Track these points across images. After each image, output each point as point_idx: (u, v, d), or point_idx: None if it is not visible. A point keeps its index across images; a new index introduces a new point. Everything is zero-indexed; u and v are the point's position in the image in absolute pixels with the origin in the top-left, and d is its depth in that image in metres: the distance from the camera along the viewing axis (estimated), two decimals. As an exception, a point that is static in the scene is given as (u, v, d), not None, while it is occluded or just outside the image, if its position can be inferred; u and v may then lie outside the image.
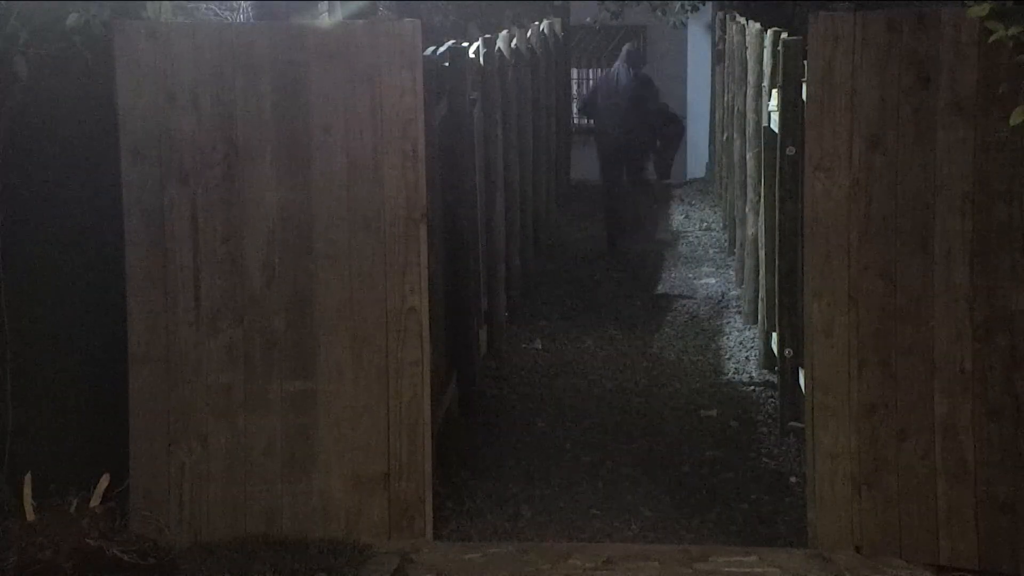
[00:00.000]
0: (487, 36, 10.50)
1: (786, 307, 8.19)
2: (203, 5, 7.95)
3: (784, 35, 8.70)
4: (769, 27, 10.28)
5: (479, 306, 9.17)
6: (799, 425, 7.60)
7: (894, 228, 5.98)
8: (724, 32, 15.49)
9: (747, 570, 6.04)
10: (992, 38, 5.47)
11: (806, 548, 6.19)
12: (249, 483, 6.26)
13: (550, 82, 15.54)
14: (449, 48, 8.51)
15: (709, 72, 19.40)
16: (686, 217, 16.01)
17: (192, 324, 6.21)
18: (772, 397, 8.69)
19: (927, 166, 5.93)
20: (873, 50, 5.93)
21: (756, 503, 7.00)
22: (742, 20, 12.83)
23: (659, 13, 19.78)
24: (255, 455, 6.25)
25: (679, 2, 19.17)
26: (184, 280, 6.20)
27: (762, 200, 9.45)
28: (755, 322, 10.05)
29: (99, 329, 6.47)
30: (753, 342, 9.96)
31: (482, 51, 9.80)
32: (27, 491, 6.21)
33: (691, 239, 14.62)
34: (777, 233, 8.33)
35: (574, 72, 22.34)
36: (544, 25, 15.81)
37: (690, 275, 12.82)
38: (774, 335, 8.73)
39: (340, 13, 7.86)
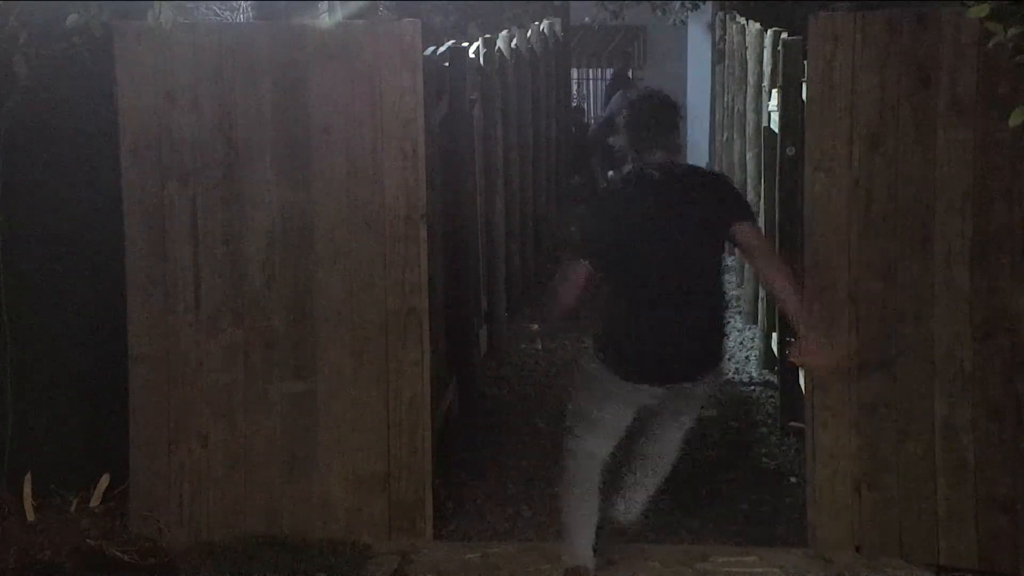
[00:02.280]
0: (487, 36, 10.50)
1: (786, 307, 8.17)
2: (203, 5, 7.95)
3: (784, 35, 8.70)
4: (769, 27, 10.29)
5: (479, 306, 9.17)
6: (799, 425, 7.59)
7: (894, 228, 5.98)
8: (724, 32, 15.49)
9: (747, 570, 6.05)
10: (992, 41, 5.47)
11: (806, 548, 6.19)
12: (249, 483, 6.26)
13: (550, 82, 15.54)
14: (449, 48, 8.51)
15: (709, 72, 19.40)
16: (686, 217, 15.99)
17: (192, 324, 6.21)
18: (772, 397, 8.68)
19: (927, 166, 5.92)
20: (873, 50, 5.93)
21: (756, 503, 7.00)
22: (742, 20, 12.84)
23: (659, 13, 19.80)
24: (255, 455, 6.25)
25: (679, 1, 19.20)
26: (184, 280, 6.20)
27: (762, 200, 9.45)
28: (755, 322, 10.05)
29: (99, 329, 6.48)
30: (753, 342, 9.96)
31: (482, 51, 9.80)
32: (27, 491, 6.22)
33: (691, 239, 14.60)
34: (777, 233, 8.33)
35: (574, 72, 22.37)
36: (544, 25, 15.81)
37: (690, 275, 12.79)
38: (774, 335, 8.73)
39: (340, 13, 7.85)
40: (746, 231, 5.53)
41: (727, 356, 5.62)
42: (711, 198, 5.56)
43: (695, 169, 5.86)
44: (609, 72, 22.92)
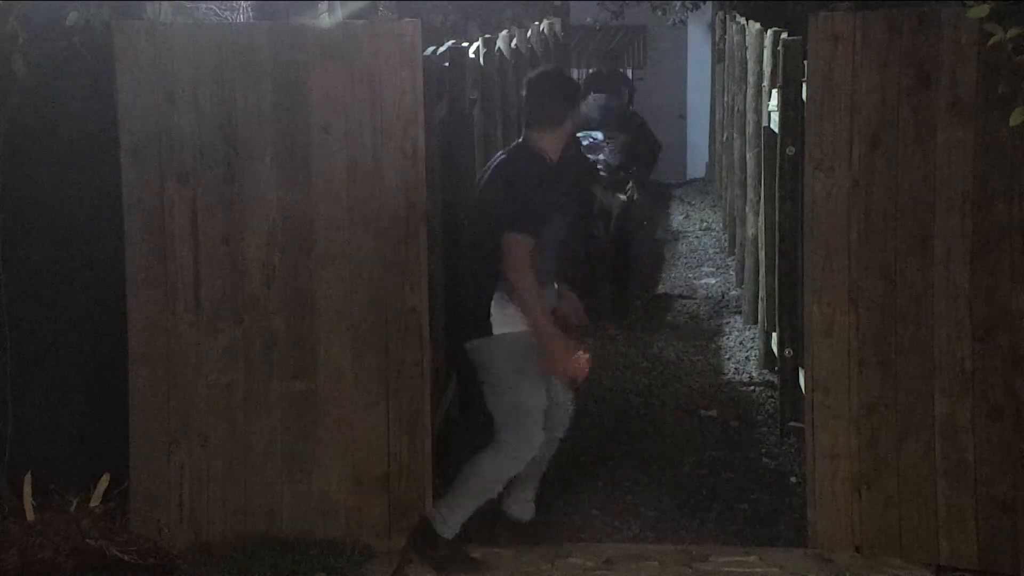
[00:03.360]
0: (487, 36, 10.50)
1: (786, 307, 8.18)
2: (203, 5, 7.95)
3: (784, 35, 8.70)
4: (769, 27, 10.28)
5: (479, 306, 9.15)
6: (799, 425, 7.59)
7: (894, 228, 5.98)
8: (724, 32, 15.49)
9: (747, 570, 6.05)
10: (992, 41, 5.47)
11: (806, 548, 6.19)
12: (249, 483, 6.26)
13: (550, 82, 15.49)
14: (449, 48, 8.51)
15: (709, 72, 19.41)
16: (686, 217, 16.00)
17: (192, 324, 6.21)
18: (772, 397, 8.68)
19: (927, 166, 5.93)
20: (873, 50, 5.93)
21: (756, 503, 7.00)
22: (742, 20, 12.83)
23: (659, 13, 19.80)
24: (255, 455, 6.25)
25: (679, 1, 19.19)
26: (184, 280, 6.20)
27: (762, 200, 9.45)
28: (755, 322, 10.05)
29: (99, 329, 6.47)
30: (753, 342, 9.95)
31: (482, 51, 9.80)
32: (27, 491, 6.21)
33: (691, 239, 14.62)
34: (777, 233, 8.33)
35: (574, 72, 22.34)
36: (544, 25, 15.81)
37: (690, 275, 12.81)
38: (774, 335, 8.73)
39: (340, 13, 7.86)
40: (503, 242, 5.87)
41: (493, 332, 6.01)
42: (495, 198, 6.00)
43: (510, 161, 6.11)
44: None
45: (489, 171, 6.17)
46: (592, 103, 14.41)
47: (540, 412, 6.06)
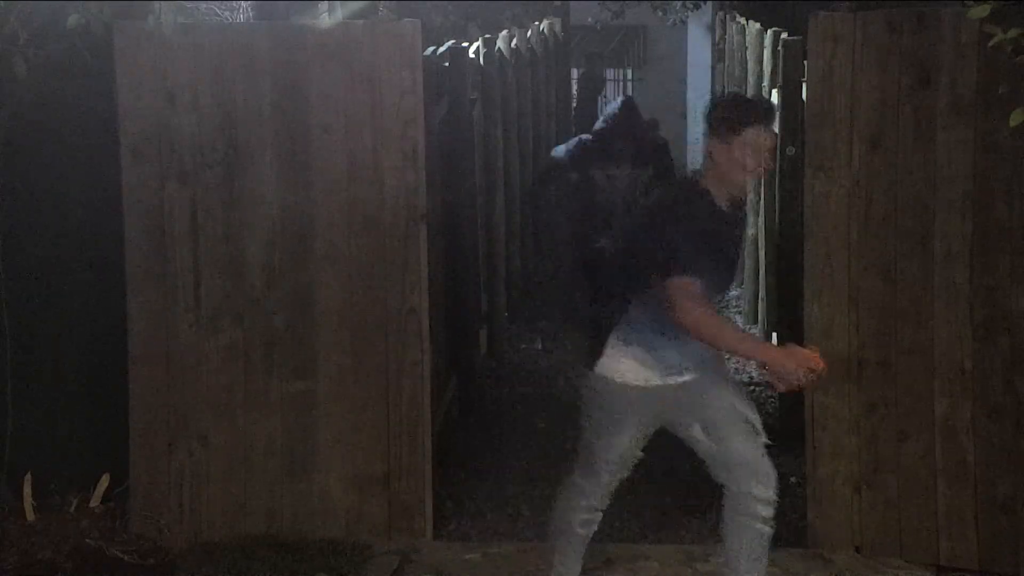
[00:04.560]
0: (487, 36, 10.50)
1: (786, 307, 8.18)
2: (203, 5, 7.96)
3: (784, 35, 8.70)
4: (769, 27, 10.28)
5: (479, 306, 9.17)
6: (799, 426, 7.58)
7: (894, 228, 5.98)
8: (724, 32, 15.49)
9: (747, 570, 6.04)
10: (992, 42, 5.46)
11: (806, 548, 6.19)
12: (249, 483, 6.26)
13: (550, 82, 15.54)
14: (449, 48, 8.51)
15: (709, 72, 19.43)
16: (686, 217, 15.98)
17: (192, 324, 6.21)
18: (772, 397, 8.67)
19: (927, 166, 5.92)
20: (873, 50, 5.93)
21: (756, 503, 6.99)
22: (742, 20, 12.83)
23: (659, 13, 19.83)
24: (255, 455, 6.25)
25: (679, 1, 19.21)
26: (184, 280, 6.20)
27: (762, 200, 9.45)
28: (755, 322, 10.05)
29: (99, 329, 6.48)
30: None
31: (482, 51, 9.80)
32: (27, 491, 6.22)
33: (691, 239, 14.58)
34: (777, 233, 8.33)
35: (574, 72, 22.37)
36: (544, 25, 15.81)
37: (690, 275, 12.77)
38: (774, 335, 8.73)
39: (340, 13, 7.86)
40: (668, 287, 5.06)
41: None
42: (652, 235, 5.13)
43: (676, 196, 5.25)
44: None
45: (648, 203, 5.22)
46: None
47: (606, 460, 5.45)
